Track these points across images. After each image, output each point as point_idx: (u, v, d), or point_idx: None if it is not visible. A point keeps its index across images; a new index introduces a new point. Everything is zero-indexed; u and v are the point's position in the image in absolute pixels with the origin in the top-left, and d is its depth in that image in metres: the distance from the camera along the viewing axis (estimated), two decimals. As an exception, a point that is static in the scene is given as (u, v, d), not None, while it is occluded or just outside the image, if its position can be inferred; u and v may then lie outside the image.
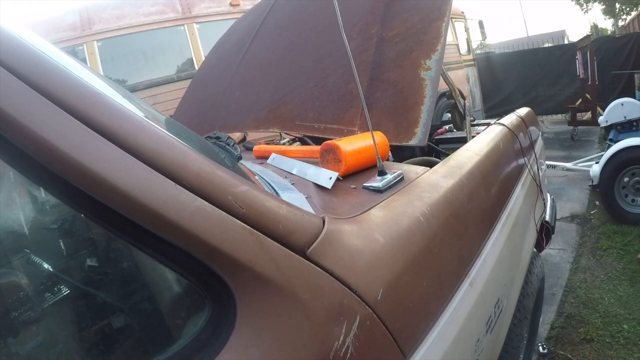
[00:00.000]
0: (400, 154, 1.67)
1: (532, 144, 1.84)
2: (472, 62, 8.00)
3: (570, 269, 3.07)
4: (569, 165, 4.70)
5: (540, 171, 1.84)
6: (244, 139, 2.32)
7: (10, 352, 0.49)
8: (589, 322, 2.41)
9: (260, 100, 1.95)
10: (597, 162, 3.78)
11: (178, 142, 0.57)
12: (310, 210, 0.81)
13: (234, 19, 3.70)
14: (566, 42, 14.40)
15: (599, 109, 6.84)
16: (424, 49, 1.39)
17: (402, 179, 0.99)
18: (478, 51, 11.93)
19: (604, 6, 22.39)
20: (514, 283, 1.29)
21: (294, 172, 1.20)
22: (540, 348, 2.21)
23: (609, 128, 4.74)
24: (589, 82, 7.34)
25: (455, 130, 2.19)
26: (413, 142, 1.24)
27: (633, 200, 3.54)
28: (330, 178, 1.01)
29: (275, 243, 0.56)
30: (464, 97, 1.94)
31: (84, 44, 4.13)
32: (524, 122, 1.82)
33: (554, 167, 4.71)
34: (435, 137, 2.18)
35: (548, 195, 2.13)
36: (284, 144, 2.22)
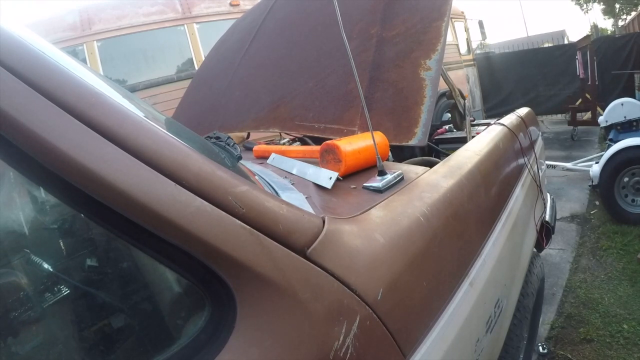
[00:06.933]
0: (400, 154, 1.67)
1: (532, 144, 1.84)
2: (472, 62, 7.99)
3: (570, 269, 3.07)
4: (569, 165, 4.70)
5: (540, 171, 1.84)
6: (248, 137, 2.32)
7: (10, 352, 0.49)
8: (589, 322, 2.41)
9: (260, 100, 1.95)
10: (597, 162, 3.78)
11: (178, 142, 0.57)
12: (310, 210, 0.81)
13: (234, 19, 3.70)
14: (566, 42, 14.41)
15: (599, 109, 6.84)
16: (424, 49, 1.38)
17: (402, 179, 0.99)
18: (478, 51, 11.92)
19: (604, 6, 22.38)
20: (514, 283, 1.29)
21: (294, 172, 1.19)
22: (540, 348, 2.21)
23: (609, 128, 4.74)
24: (589, 82, 7.34)
25: (455, 130, 2.19)
26: (413, 142, 1.24)
27: (633, 200, 3.54)
28: (330, 178, 1.01)
29: (275, 243, 0.56)
30: (464, 97, 1.94)
31: (84, 44, 4.13)
32: (524, 122, 1.82)
33: (554, 167, 4.71)
34: (435, 137, 2.18)
35: (548, 195, 2.12)
36: (284, 144, 2.22)
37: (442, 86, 1.80)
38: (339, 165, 1.04)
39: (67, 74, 0.53)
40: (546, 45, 12.14)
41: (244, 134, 2.28)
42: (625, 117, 4.47)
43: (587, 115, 7.67)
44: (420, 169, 1.07)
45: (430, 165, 1.12)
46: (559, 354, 2.20)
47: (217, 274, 0.52)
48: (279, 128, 1.75)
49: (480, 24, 8.68)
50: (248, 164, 1.33)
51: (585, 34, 9.43)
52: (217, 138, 1.17)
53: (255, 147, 1.68)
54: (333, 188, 1.00)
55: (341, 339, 0.56)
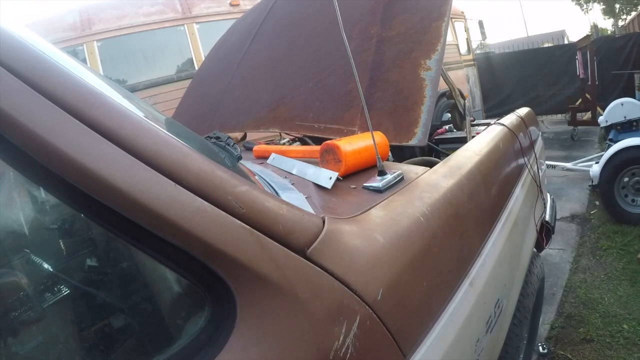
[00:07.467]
0: (400, 154, 1.67)
1: (532, 144, 1.84)
2: (472, 62, 7.99)
3: (570, 269, 3.07)
4: (569, 165, 4.70)
5: (540, 171, 1.84)
6: (244, 137, 2.32)
7: (10, 352, 0.49)
8: (589, 322, 2.41)
9: (260, 100, 1.95)
10: (597, 162, 3.78)
11: (178, 142, 0.57)
12: (310, 210, 0.81)
13: (234, 19, 3.70)
14: (566, 42, 14.41)
15: (599, 109, 6.84)
16: (424, 49, 1.39)
17: (402, 179, 0.99)
18: (478, 51, 11.93)
19: (604, 6, 22.38)
20: (514, 283, 1.29)
21: (294, 172, 1.19)
22: (540, 348, 2.21)
23: (609, 128, 4.74)
24: (589, 82, 7.33)
25: (455, 130, 2.19)
26: (413, 142, 1.24)
27: (633, 200, 3.54)
28: (330, 178, 1.01)
29: (275, 243, 0.56)
30: (464, 97, 1.94)
31: (84, 44, 4.13)
32: (524, 122, 1.82)
33: (554, 167, 4.71)
34: (435, 137, 2.18)
35: (548, 195, 2.12)
36: (284, 144, 2.22)
37: (442, 86, 1.80)
38: (339, 165, 1.04)
39: (67, 74, 0.53)
40: (546, 45, 12.15)
41: (243, 134, 2.28)
42: (625, 117, 4.47)
43: (587, 115, 7.67)
44: (420, 169, 1.07)
45: (430, 165, 1.12)
46: (559, 354, 2.20)
47: (217, 274, 0.52)
48: (279, 128, 1.75)
49: (480, 24, 8.67)
50: (248, 164, 1.34)
51: (585, 34, 9.43)
52: (217, 138, 1.17)
53: (255, 147, 1.68)
54: (333, 188, 1.00)
55: (341, 339, 0.57)
